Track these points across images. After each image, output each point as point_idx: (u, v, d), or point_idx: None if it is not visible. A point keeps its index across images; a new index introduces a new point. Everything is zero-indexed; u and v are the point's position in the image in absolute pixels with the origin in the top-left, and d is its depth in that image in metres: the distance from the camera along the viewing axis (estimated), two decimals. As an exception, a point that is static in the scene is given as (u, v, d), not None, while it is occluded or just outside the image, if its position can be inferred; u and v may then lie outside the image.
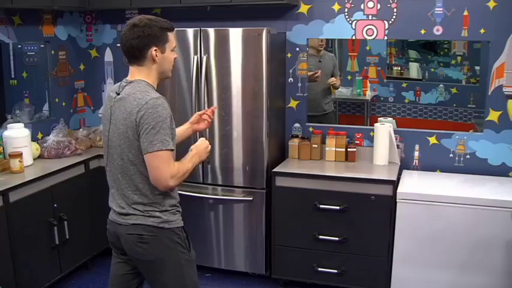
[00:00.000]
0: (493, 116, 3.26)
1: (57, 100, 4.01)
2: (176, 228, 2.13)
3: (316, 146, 3.52)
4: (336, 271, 3.21)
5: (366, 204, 3.09)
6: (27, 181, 3.07)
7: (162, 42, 2.05)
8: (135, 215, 2.09)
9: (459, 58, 3.89)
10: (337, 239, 3.16)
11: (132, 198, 2.09)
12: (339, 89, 4.28)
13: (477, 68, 3.82)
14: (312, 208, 3.17)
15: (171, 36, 2.09)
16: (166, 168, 1.98)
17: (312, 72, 3.82)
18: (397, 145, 3.44)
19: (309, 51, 3.69)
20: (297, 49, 3.61)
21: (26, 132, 3.35)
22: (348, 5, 3.44)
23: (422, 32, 3.31)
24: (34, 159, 3.44)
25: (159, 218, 2.09)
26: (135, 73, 2.10)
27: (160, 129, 1.95)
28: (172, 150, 2.00)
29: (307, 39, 3.58)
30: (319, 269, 3.24)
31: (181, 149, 2.26)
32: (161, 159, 1.97)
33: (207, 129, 3.35)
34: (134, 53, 2.04)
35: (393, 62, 4.19)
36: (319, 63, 3.96)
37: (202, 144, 2.24)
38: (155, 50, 2.04)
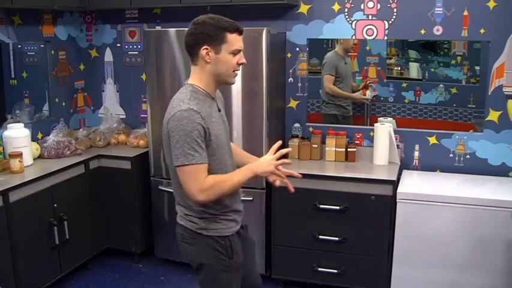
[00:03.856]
0: (493, 116, 3.26)
1: (57, 100, 4.01)
2: (217, 237, 2.07)
3: (316, 146, 3.52)
4: (336, 271, 3.21)
5: (366, 204, 3.09)
6: (27, 181, 3.07)
7: (217, 42, 1.94)
8: (179, 215, 2.14)
9: (459, 58, 3.88)
10: (337, 239, 3.16)
11: (177, 199, 2.13)
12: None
13: (477, 68, 3.81)
14: (312, 208, 3.17)
15: (232, 37, 1.96)
16: (192, 184, 1.92)
17: (368, 83, 3.88)
18: (397, 145, 3.44)
19: (336, 51, 3.71)
20: (297, 49, 3.62)
21: (26, 132, 3.35)
22: (348, 5, 3.44)
23: (422, 32, 3.31)
24: (34, 159, 3.44)
25: (197, 224, 2.07)
26: (191, 73, 2.06)
27: (184, 143, 1.88)
28: (201, 163, 1.91)
29: (308, 39, 3.58)
30: (319, 269, 3.24)
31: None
32: (185, 174, 1.92)
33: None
34: (188, 50, 2.01)
35: (394, 62, 4.18)
36: (345, 65, 3.92)
37: (261, 161, 2.05)
38: (206, 49, 1.95)
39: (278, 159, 2.02)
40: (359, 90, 4.10)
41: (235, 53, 1.98)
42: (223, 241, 2.09)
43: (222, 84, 2.09)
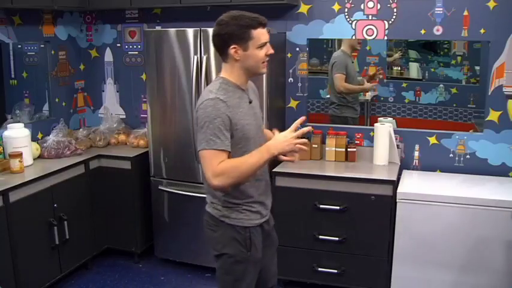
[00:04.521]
0: (493, 116, 3.26)
1: (57, 100, 4.01)
2: (238, 226, 2.11)
3: (316, 146, 3.52)
4: (336, 271, 3.21)
5: (366, 204, 3.09)
6: (27, 181, 3.07)
7: (243, 40, 2.00)
8: (207, 202, 2.20)
9: (459, 58, 3.88)
10: (337, 239, 3.16)
11: (205, 186, 2.18)
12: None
13: (477, 68, 3.81)
14: (312, 208, 3.17)
15: (256, 33, 2.01)
16: (209, 167, 1.96)
17: (377, 72, 3.81)
18: (397, 145, 3.44)
19: (343, 50, 3.70)
20: (297, 49, 3.62)
21: (26, 132, 3.35)
22: (348, 5, 3.44)
23: (422, 32, 3.31)
24: (34, 159, 3.44)
25: (220, 212, 2.13)
26: (222, 68, 2.12)
27: (207, 129, 1.95)
28: (220, 150, 1.95)
29: (308, 39, 3.58)
30: (319, 269, 3.24)
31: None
32: (204, 159, 1.98)
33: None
34: (217, 49, 2.08)
35: (398, 57, 4.16)
36: (352, 63, 3.89)
37: (276, 138, 2.00)
38: (234, 48, 2.01)
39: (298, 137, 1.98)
40: (368, 82, 4.07)
41: (261, 46, 2.04)
42: (243, 231, 2.12)
43: (254, 75, 2.15)
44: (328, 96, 4.13)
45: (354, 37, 3.48)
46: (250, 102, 2.14)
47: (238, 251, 2.12)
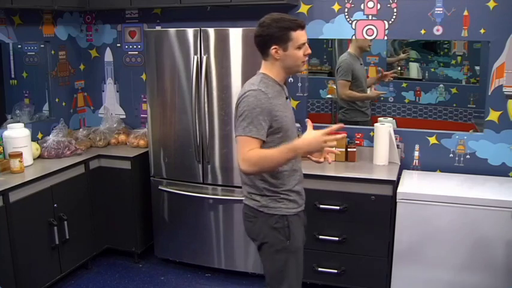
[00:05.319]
0: (493, 116, 3.26)
1: (57, 100, 4.01)
2: (276, 216, 2.18)
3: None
4: (336, 271, 3.21)
5: (366, 204, 3.09)
6: (27, 181, 3.07)
7: (283, 41, 2.11)
8: (244, 195, 2.30)
9: (459, 58, 3.89)
10: (337, 239, 3.16)
11: (242, 178, 2.27)
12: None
13: (477, 68, 3.82)
14: (312, 208, 3.17)
15: (296, 34, 2.12)
16: (240, 152, 2.07)
17: (391, 72, 3.78)
18: (397, 145, 3.43)
19: (351, 53, 3.68)
20: (297, 49, 3.61)
21: (26, 132, 3.35)
22: (348, 5, 3.44)
23: (422, 32, 3.30)
24: (34, 159, 3.44)
25: (259, 202, 2.21)
26: (262, 65, 2.22)
27: (245, 117, 2.06)
28: (254, 137, 2.04)
29: (307, 39, 3.57)
30: (319, 269, 3.24)
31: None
32: (239, 144, 2.08)
33: (207, 129, 3.38)
34: (258, 48, 2.19)
35: (404, 57, 4.16)
36: (360, 66, 3.85)
37: (306, 136, 2.05)
38: (275, 48, 2.12)
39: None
40: (374, 84, 4.01)
41: (300, 47, 2.15)
42: (282, 220, 2.19)
43: (292, 73, 2.34)
44: (329, 96, 4.14)
45: (354, 37, 3.48)
46: (287, 98, 2.27)
47: (277, 240, 2.19)
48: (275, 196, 2.19)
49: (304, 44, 2.16)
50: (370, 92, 4.00)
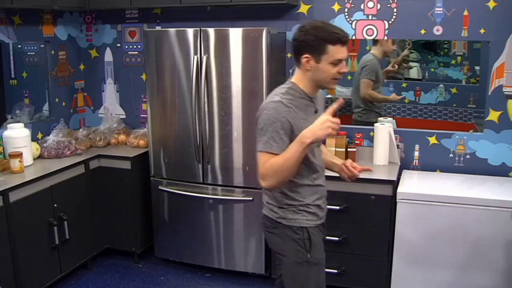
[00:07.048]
0: (493, 116, 3.26)
1: (57, 100, 4.01)
2: (295, 227, 2.11)
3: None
4: (336, 271, 3.20)
5: (366, 204, 3.09)
6: (27, 181, 3.07)
7: (317, 52, 1.97)
8: (264, 204, 2.22)
9: (459, 58, 3.88)
10: (337, 239, 3.16)
11: (262, 187, 2.15)
12: (339, 89, 4.26)
13: (477, 68, 3.81)
14: (312, 208, 3.16)
15: (333, 49, 1.96)
16: (261, 169, 1.99)
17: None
18: (397, 145, 3.43)
19: (375, 54, 3.67)
20: (297, 49, 3.61)
21: (26, 132, 3.35)
22: (348, 5, 3.44)
23: (422, 32, 3.30)
24: (34, 159, 3.45)
25: (277, 214, 2.14)
26: (295, 72, 2.13)
27: (266, 132, 1.96)
28: (275, 154, 1.95)
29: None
30: (319, 269, 3.24)
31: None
32: (260, 160, 1.99)
33: (207, 129, 3.38)
34: (292, 54, 2.10)
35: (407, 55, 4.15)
36: (381, 70, 3.82)
37: (313, 124, 1.93)
38: (306, 57, 2.00)
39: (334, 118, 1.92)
40: (394, 67, 3.95)
41: (335, 63, 1.99)
42: (301, 232, 2.11)
43: (321, 88, 2.17)
44: (329, 96, 4.12)
45: (354, 37, 3.47)
46: (315, 111, 2.12)
47: (298, 253, 2.11)
48: (293, 207, 2.11)
49: (340, 61, 1.99)
50: (392, 95, 3.96)
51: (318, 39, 1.96)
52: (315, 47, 1.97)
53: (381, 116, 3.82)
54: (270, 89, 3.25)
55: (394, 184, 3.04)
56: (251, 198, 3.34)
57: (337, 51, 1.97)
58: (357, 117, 3.87)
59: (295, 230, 2.11)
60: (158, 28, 3.89)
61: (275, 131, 1.95)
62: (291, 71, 3.65)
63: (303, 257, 2.11)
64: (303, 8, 3.54)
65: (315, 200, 2.16)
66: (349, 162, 2.26)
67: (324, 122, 1.89)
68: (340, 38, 1.96)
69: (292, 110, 1.99)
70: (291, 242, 2.11)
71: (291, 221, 2.11)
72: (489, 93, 3.25)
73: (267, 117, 1.97)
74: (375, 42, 3.72)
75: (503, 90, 3.21)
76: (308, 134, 1.91)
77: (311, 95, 2.10)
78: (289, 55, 3.63)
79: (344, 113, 3.90)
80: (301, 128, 1.97)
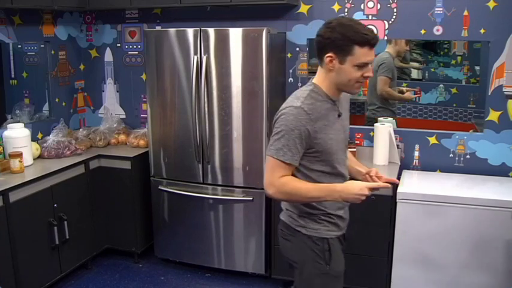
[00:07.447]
0: (493, 116, 3.26)
1: (57, 100, 4.01)
2: (315, 237, 2.02)
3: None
4: (336, 271, 3.20)
5: (366, 204, 3.06)
6: (27, 181, 3.07)
7: (343, 52, 1.83)
8: (282, 210, 2.13)
9: (459, 58, 3.88)
10: (337, 239, 3.16)
11: None
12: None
13: (477, 68, 3.81)
14: (312, 208, 3.17)
15: (360, 51, 1.82)
16: (269, 174, 1.90)
17: (410, 91, 3.78)
18: (397, 145, 3.43)
19: (390, 53, 3.66)
20: (297, 49, 3.61)
21: (26, 132, 3.35)
22: (348, 5, 3.44)
23: (422, 32, 3.30)
24: (34, 159, 3.44)
25: (297, 222, 2.04)
26: (317, 72, 1.99)
27: (281, 138, 1.87)
28: (287, 163, 1.88)
29: (308, 39, 3.58)
30: (319, 269, 3.24)
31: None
32: (269, 165, 1.91)
33: (207, 129, 3.38)
34: (316, 51, 1.93)
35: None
36: (395, 69, 3.82)
37: (351, 185, 1.93)
38: (330, 56, 1.85)
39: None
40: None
41: (360, 66, 1.85)
42: (321, 243, 2.02)
43: (344, 91, 2.00)
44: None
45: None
46: (339, 115, 2.01)
47: (316, 264, 2.02)
48: (314, 216, 2.01)
49: (366, 64, 1.85)
50: (406, 94, 3.93)
51: (345, 38, 1.81)
52: (340, 47, 1.82)
53: (394, 114, 3.82)
54: (270, 89, 3.27)
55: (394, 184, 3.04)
56: (251, 198, 3.34)
57: (364, 54, 1.83)
58: (370, 114, 3.86)
59: (315, 241, 2.01)
60: (158, 28, 3.89)
61: (292, 139, 1.85)
62: (291, 71, 3.66)
63: (321, 269, 2.02)
64: (303, 8, 3.54)
65: (337, 209, 2.06)
66: (374, 171, 2.13)
67: (362, 194, 1.88)
68: (369, 40, 1.82)
69: (312, 117, 1.88)
70: (310, 252, 2.02)
71: (311, 231, 2.02)
72: (489, 93, 3.25)
73: (285, 123, 1.86)
74: (390, 41, 3.72)
75: (503, 90, 3.21)
76: (341, 195, 1.88)
77: (334, 98, 1.97)
78: (289, 55, 3.64)
79: (353, 113, 3.90)
80: (322, 135, 1.90)
